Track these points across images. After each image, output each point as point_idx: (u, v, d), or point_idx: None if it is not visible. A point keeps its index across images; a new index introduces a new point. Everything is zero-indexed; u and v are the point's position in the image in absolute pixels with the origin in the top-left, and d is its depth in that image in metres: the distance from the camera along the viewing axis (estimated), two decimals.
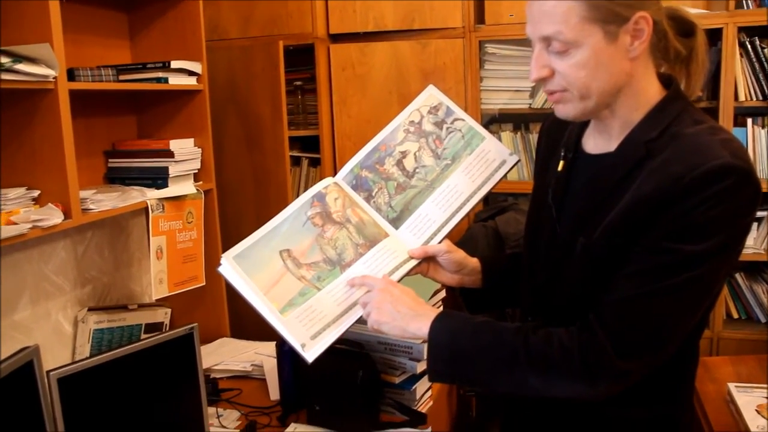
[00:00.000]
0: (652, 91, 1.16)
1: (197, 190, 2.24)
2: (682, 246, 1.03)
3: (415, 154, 1.45)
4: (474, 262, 1.43)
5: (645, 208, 1.06)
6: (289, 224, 1.36)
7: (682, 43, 1.17)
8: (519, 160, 1.46)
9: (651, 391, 1.18)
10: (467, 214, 1.42)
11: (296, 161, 3.02)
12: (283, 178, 2.77)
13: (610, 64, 1.10)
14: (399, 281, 1.34)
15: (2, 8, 1.64)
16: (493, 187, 1.42)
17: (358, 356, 1.76)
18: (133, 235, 2.42)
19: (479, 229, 2.69)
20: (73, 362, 1.40)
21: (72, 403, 1.38)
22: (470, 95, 2.84)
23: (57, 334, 2.06)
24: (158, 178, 2.19)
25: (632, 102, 1.15)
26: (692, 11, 1.25)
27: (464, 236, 2.75)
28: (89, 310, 2.15)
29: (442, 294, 2.00)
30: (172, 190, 2.14)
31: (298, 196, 1.42)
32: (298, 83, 2.94)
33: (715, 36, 2.66)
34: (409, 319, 1.22)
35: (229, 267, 1.31)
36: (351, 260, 1.35)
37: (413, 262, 1.37)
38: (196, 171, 2.35)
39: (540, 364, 1.11)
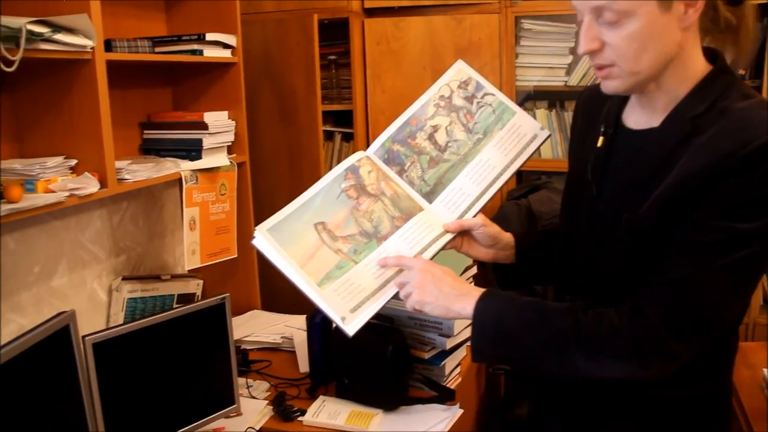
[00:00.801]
0: (699, 64, 1.13)
1: (230, 162, 2.25)
2: (734, 224, 1.01)
3: (446, 128, 1.43)
4: (508, 236, 1.42)
5: (694, 184, 1.04)
6: (322, 197, 1.34)
7: (732, 12, 1.13)
8: (550, 135, 1.46)
9: (695, 371, 1.16)
10: (500, 190, 1.41)
11: (329, 136, 3.02)
12: (316, 152, 2.77)
13: (664, 34, 1.06)
14: (434, 256, 1.33)
15: None
16: (525, 162, 1.40)
17: (388, 331, 1.76)
18: (167, 206, 2.45)
19: (512, 207, 2.67)
20: (108, 328, 1.43)
21: (106, 368, 1.41)
22: (505, 72, 2.81)
23: (92, 302, 2.10)
24: (192, 150, 2.21)
25: (680, 75, 1.12)
26: None
27: (497, 214, 2.73)
28: (123, 279, 2.18)
29: (474, 270, 1.99)
30: (205, 161, 2.15)
31: (330, 170, 1.41)
32: (332, 57, 2.94)
33: (762, 11, 2.59)
34: (453, 299, 1.21)
35: (264, 240, 1.29)
36: (387, 233, 1.33)
37: (449, 236, 1.35)
38: (230, 143, 2.37)
39: (590, 346, 1.10)
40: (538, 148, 1.42)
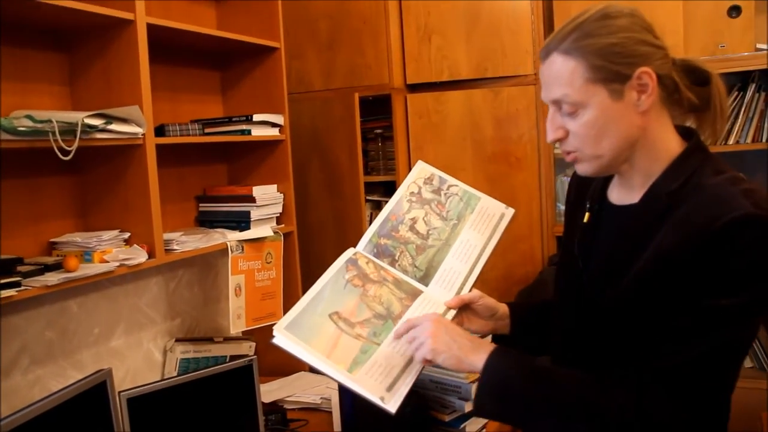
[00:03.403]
0: (670, 143, 1.19)
1: (275, 232, 2.42)
2: (719, 301, 1.05)
3: (423, 218, 1.54)
4: (503, 307, 1.47)
5: (671, 260, 1.08)
6: (330, 289, 1.38)
7: (697, 92, 1.19)
8: (515, 212, 1.56)
9: None
10: (484, 265, 1.49)
11: (377, 205, 3.17)
12: (359, 220, 2.92)
13: (620, 120, 1.15)
14: None
15: (104, 74, 1.90)
16: (500, 238, 1.51)
17: (408, 393, 1.84)
18: (221, 273, 2.63)
19: (551, 273, 2.72)
20: (142, 385, 1.59)
21: (140, 422, 1.56)
22: (543, 141, 2.90)
23: (147, 361, 2.28)
24: (241, 221, 2.40)
25: (650, 154, 1.18)
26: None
27: (536, 280, 2.78)
28: (177, 340, 2.36)
29: None
30: (250, 232, 2.33)
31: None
32: (379, 131, 3.11)
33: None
34: (468, 350, 1.22)
35: (284, 338, 1.30)
36: (400, 312, 1.38)
37: (452, 313, 1.40)
38: (278, 215, 2.55)
39: (597, 421, 1.12)
40: (508, 224, 1.53)
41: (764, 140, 2.71)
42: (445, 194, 1.57)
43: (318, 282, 1.41)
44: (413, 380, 1.28)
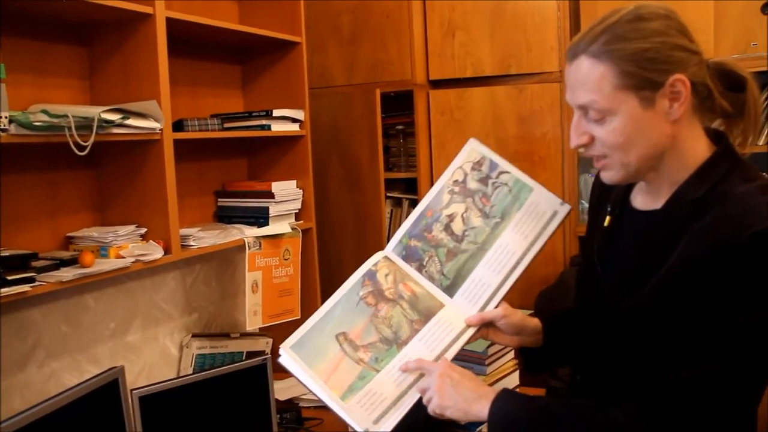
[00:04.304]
0: (699, 150, 1.14)
1: (293, 229, 2.40)
2: (742, 316, 1.00)
3: (462, 215, 1.44)
4: (535, 322, 1.42)
5: (693, 272, 1.03)
6: (342, 307, 1.38)
7: (731, 99, 1.14)
8: (571, 209, 1.41)
9: None
10: (521, 276, 1.39)
11: (398, 202, 3.14)
12: (379, 217, 2.90)
13: (649, 129, 1.09)
14: (460, 349, 1.36)
15: (123, 69, 1.89)
16: (546, 242, 1.38)
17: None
18: (239, 268, 2.61)
19: (572, 274, 2.66)
20: (154, 383, 1.58)
21: (152, 420, 1.55)
22: (567, 139, 2.84)
23: (164, 357, 2.28)
24: (260, 217, 2.39)
25: (678, 163, 1.13)
26: None
27: (557, 281, 2.74)
28: (193, 336, 2.35)
29: None
30: (268, 229, 2.31)
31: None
32: (400, 127, 3.07)
33: None
34: (472, 401, 1.22)
35: (289, 358, 1.33)
36: (407, 337, 1.35)
37: (471, 331, 1.36)
38: (297, 211, 2.53)
39: None
40: (560, 224, 1.39)
41: None
42: (493, 184, 1.43)
43: (333, 297, 1.40)
44: (403, 414, 1.28)
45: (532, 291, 2.74)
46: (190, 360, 2.33)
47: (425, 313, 1.38)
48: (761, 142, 2.66)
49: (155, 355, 2.24)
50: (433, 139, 3.00)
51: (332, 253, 2.93)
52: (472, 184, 1.45)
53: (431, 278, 1.42)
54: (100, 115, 1.63)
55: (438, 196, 1.47)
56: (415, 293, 1.40)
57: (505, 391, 1.22)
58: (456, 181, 1.46)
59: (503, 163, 1.46)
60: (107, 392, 1.44)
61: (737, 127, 1.17)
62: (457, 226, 1.44)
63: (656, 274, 1.09)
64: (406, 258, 1.44)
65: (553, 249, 2.86)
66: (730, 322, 1.01)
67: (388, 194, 3.04)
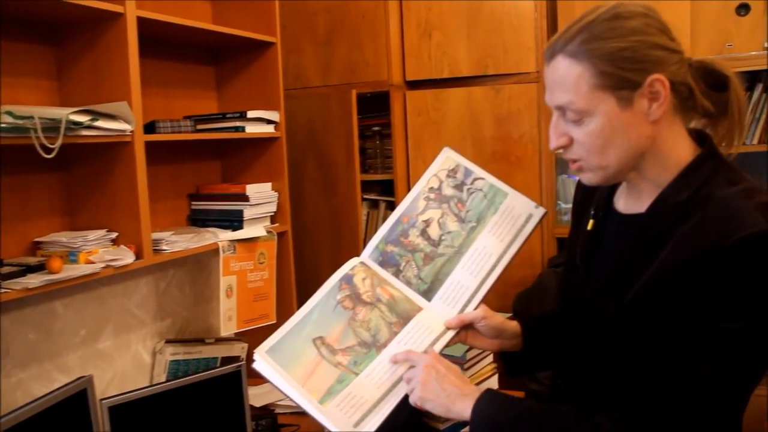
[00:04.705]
0: (682, 151, 1.11)
1: (268, 232, 2.36)
2: (724, 326, 0.98)
3: (438, 221, 1.43)
4: (514, 325, 1.40)
5: (677, 278, 1.01)
6: (319, 311, 1.36)
7: (714, 99, 1.12)
8: (546, 212, 1.41)
9: None
10: (499, 278, 1.38)
11: (375, 204, 3.12)
12: (356, 220, 2.87)
13: (628, 130, 1.07)
14: (439, 352, 1.32)
15: (93, 69, 1.84)
16: (523, 244, 1.38)
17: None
18: (214, 272, 2.57)
19: (550, 276, 2.67)
20: (124, 392, 1.54)
21: (122, 431, 1.50)
22: (544, 140, 2.84)
23: (136, 363, 2.23)
24: (234, 221, 2.34)
25: (660, 164, 1.11)
26: None
27: (535, 283, 2.73)
28: (166, 342, 2.30)
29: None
30: (243, 232, 2.27)
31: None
32: (377, 128, 3.05)
33: None
34: (455, 398, 1.19)
35: (263, 363, 1.30)
36: (386, 340, 1.33)
37: (451, 333, 1.35)
38: (273, 214, 2.49)
39: None
40: (536, 227, 1.40)
41: None
42: (468, 190, 1.44)
43: (310, 301, 1.38)
44: (383, 417, 1.26)
45: (510, 293, 2.73)
46: (163, 366, 2.28)
47: (404, 316, 1.36)
48: (755, 141, 2.68)
49: (127, 363, 2.19)
50: (410, 140, 2.98)
51: (308, 257, 2.90)
52: (448, 191, 1.45)
53: (409, 283, 1.40)
54: (68, 117, 1.58)
55: (414, 202, 1.46)
56: (393, 297, 1.39)
57: (489, 392, 1.20)
58: (431, 188, 1.46)
59: (477, 170, 1.46)
60: (76, 403, 1.39)
61: (722, 128, 1.14)
62: (434, 231, 1.43)
63: (640, 279, 1.07)
64: (383, 263, 1.43)
65: (531, 251, 2.85)
66: (715, 329, 0.99)
67: (365, 196, 3.02)
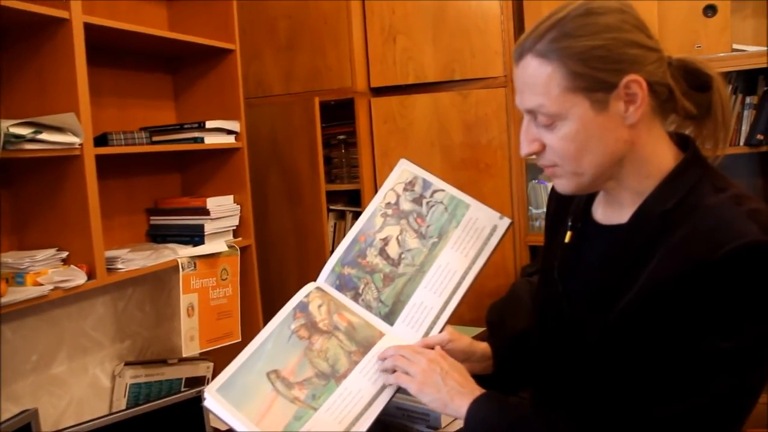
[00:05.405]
0: (663, 156, 1.04)
1: (229, 247, 2.27)
2: (721, 343, 0.91)
3: (397, 238, 1.34)
4: (483, 347, 1.32)
5: (665, 294, 0.94)
6: (272, 342, 1.26)
7: (696, 99, 1.05)
8: (512, 223, 1.33)
9: None
10: (465, 296, 1.29)
11: (341, 215, 3.03)
12: (321, 231, 2.78)
13: (603, 134, 0.99)
14: None
15: (38, 79, 1.73)
16: (489, 258, 1.30)
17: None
18: (175, 289, 2.46)
19: (524, 285, 2.61)
20: (73, 425, 1.43)
21: None
22: (514, 145, 2.79)
23: (94, 388, 2.11)
24: (195, 235, 2.24)
25: (640, 171, 1.04)
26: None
27: (508, 293, 2.67)
28: (126, 364, 2.19)
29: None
30: (203, 248, 2.17)
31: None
32: (342, 137, 2.97)
33: None
34: (454, 395, 1.13)
35: (214, 402, 1.20)
36: (346, 370, 1.24)
37: (440, 348, 1.24)
38: (235, 227, 2.40)
39: None
40: (501, 239, 1.32)
41: (741, 144, 2.62)
42: (428, 203, 1.35)
43: (262, 332, 1.28)
44: None
45: (483, 303, 2.67)
46: (123, 390, 2.17)
47: (364, 344, 1.27)
48: (741, 143, 2.64)
49: (84, 388, 2.08)
50: (376, 148, 2.90)
51: (274, 271, 2.81)
52: (406, 205, 1.36)
53: (369, 307, 1.31)
54: (7, 130, 1.48)
55: (370, 220, 1.37)
56: (351, 324, 1.29)
57: (487, 394, 1.13)
58: (388, 203, 1.37)
59: (437, 182, 1.38)
60: None
61: (706, 130, 1.07)
62: (393, 250, 1.34)
63: (624, 296, 0.99)
64: (340, 287, 1.34)
65: (504, 260, 2.79)
66: (709, 349, 0.91)
67: (331, 207, 2.93)
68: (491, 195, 2.80)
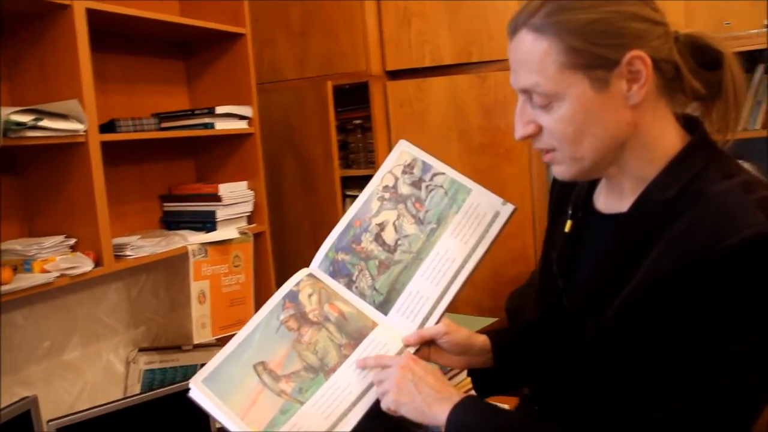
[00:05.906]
0: (668, 140, 0.97)
1: (241, 234, 2.25)
2: (727, 342, 0.85)
3: (394, 223, 1.28)
4: (482, 340, 1.26)
5: (666, 288, 0.88)
6: (260, 333, 1.22)
7: (705, 78, 0.97)
8: (515, 209, 1.24)
9: None
10: (464, 285, 1.23)
11: None
12: (336, 218, 2.74)
13: (604, 115, 0.93)
14: None
15: (41, 67, 1.73)
16: (491, 245, 1.22)
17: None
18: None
19: None
20: (73, 413, 1.43)
21: None
22: None
23: (108, 374, 2.13)
24: (206, 222, 2.24)
25: (643, 156, 0.97)
26: None
27: (528, 280, 2.61)
28: (140, 350, 2.20)
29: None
30: (214, 235, 2.17)
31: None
32: (358, 122, 2.93)
33: None
34: (431, 401, 1.07)
35: (199, 393, 1.17)
36: (335, 364, 1.19)
37: (410, 351, 1.20)
38: (249, 214, 2.38)
39: None
40: (504, 226, 1.24)
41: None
42: (427, 187, 1.27)
43: (250, 322, 1.24)
44: None
45: (502, 291, 2.61)
46: (137, 376, 2.19)
47: (355, 336, 1.22)
48: (758, 125, 2.54)
49: (98, 374, 2.09)
50: (393, 133, 2.85)
51: (289, 258, 2.79)
52: (404, 189, 1.29)
53: (362, 295, 1.26)
54: (8, 117, 1.47)
55: (366, 203, 1.31)
56: (343, 314, 1.24)
57: (468, 399, 1.07)
58: (386, 186, 1.31)
59: (437, 164, 1.30)
60: (18, 427, 1.28)
61: (715, 112, 1.00)
62: (389, 235, 1.27)
63: (623, 290, 0.93)
64: (334, 274, 1.29)
65: (524, 247, 2.73)
66: (709, 348, 0.86)
67: (348, 192, 2.89)
68: (511, 181, 2.74)
